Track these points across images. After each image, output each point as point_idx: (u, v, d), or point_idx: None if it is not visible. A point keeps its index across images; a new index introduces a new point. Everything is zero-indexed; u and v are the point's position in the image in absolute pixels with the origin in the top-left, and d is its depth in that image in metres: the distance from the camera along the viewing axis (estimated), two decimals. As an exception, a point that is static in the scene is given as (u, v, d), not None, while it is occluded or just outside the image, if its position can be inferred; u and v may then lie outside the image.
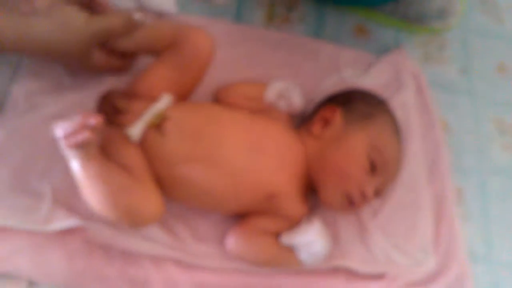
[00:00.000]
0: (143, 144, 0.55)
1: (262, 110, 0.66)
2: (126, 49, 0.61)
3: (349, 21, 0.84)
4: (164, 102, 0.56)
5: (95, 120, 0.48)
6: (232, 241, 0.58)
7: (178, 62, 0.59)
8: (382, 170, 0.58)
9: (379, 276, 0.62)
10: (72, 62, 0.58)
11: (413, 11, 0.83)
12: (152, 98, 0.58)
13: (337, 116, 0.61)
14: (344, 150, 0.58)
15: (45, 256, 0.56)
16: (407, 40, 0.85)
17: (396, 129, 0.63)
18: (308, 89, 0.73)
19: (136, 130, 0.54)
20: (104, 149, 0.54)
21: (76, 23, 0.54)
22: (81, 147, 0.49)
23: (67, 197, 0.58)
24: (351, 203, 0.58)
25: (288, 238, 0.58)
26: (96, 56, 0.58)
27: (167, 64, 0.59)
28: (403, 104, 0.74)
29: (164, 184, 0.57)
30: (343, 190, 0.58)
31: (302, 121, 0.69)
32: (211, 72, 0.71)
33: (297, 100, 0.67)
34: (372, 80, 0.76)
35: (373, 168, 0.58)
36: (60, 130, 0.49)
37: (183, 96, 0.61)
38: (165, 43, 0.59)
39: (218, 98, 0.68)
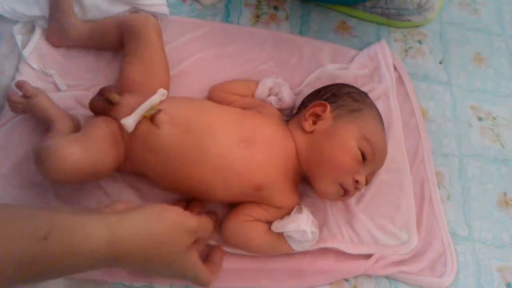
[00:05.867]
0: (139, 135, 0.58)
1: (254, 106, 0.68)
2: (79, 41, 0.69)
3: (332, 18, 0.87)
4: (158, 96, 0.60)
5: None
6: (224, 230, 0.60)
7: (136, 49, 0.65)
8: (371, 159, 0.61)
9: (366, 256, 0.64)
10: None
11: (392, 7, 0.86)
12: (139, 92, 0.62)
13: (327, 112, 0.63)
14: (337, 143, 0.60)
15: None
16: (387, 34, 0.87)
17: (380, 120, 0.65)
18: (295, 83, 0.76)
19: (130, 120, 0.57)
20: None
21: None
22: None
23: (68, 193, 0.61)
24: (346, 192, 0.60)
25: (278, 227, 0.59)
26: None
27: (130, 56, 0.65)
28: (385, 94, 0.77)
29: (159, 174, 0.60)
30: (338, 181, 0.59)
31: (291, 115, 0.71)
32: (203, 70, 0.74)
33: (286, 96, 0.69)
34: (355, 72, 0.78)
35: (363, 157, 0.60)
36: None
37: (161, 84, 0.64)
38: (114, 34, 0.67)
39: (211, 95, 0.71)
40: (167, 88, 0.66)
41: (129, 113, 0.58)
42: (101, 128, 0.58)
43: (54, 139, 0.54)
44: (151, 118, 0.58)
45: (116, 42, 0.68)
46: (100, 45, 0.71)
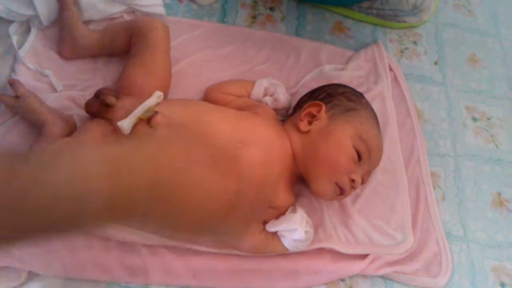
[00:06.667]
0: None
1: (250, 106, 0.68)
2: (91, 50, 0.68)
3: (328, 19, 0.87)
4: (154, 98, 0.59)
5: None
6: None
7: (141, 52, 0.65)
8: (367, 158, 0.61)
9: (362, 256, 0.64)
10: None
11: (388, 8, 0.86)
12: (138, 94, 0.61)
13: (323, 112, 0.63)
14: (333, 143, 0.60)
15: (46, 248, 0.58)
16: (383, 35, 0.88)
17: (375, 120, 0.66)
18: (291, 84, 0.76)
19: (126, 123, 0.57)
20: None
21: None
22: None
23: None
24: (342, 192, 0.60)
25: (273, 226, 0.59)
26: None
27: (135, 58, 0.65)
28: (381, 95, 0.77)
29: None
30: (334, 180, 0.60)
31: (286, 115, 0.71)
32: (199, 71, 0.74)
33: (282, 97, 0.69)
34: (351, 73, 0.78)
35: (359, 157, 0.60)
36: None
37: (162, 86, 0.64)
38: (123, 37, 0.67)
39: (208, 96, 0.71)
40: (167, 91, 0.66)
41: (125, 116, 0.57)
42: (92, 133, 0.57)
43: (41, 145, 0.54)
44: (147, 120, 0.57)
45: (126, 46, 0.68)
46: (111, 51, 0.71)
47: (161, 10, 0.75)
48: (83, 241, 0.59)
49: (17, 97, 0.62)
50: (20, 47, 0.69)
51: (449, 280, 0.66)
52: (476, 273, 0.69)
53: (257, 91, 0.70)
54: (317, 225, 0.64)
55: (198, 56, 0.75)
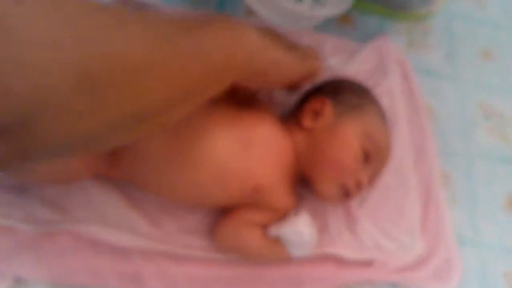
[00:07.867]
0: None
1: (248, 101, 0.63)
2: None
3: (333, 9, 0.84)
4: None
5: None
6: (218, 234, 0.58)
7: None
8: (375, 158, 0.58)
9: (368, 263, 0.62)
10: None
11: (396, -3, 0.83)
12: None
13: (328, 108, 0.60)
14: (338, 142, 0.58)
15: (34, 253, 0.55)
16: (391, 27, 0.84)
17: (383, 117, 0.63)
18: (294, 78, 0.73)
19: None
20: None
21: None
22: None
23: (52, 193, 0.58)
24: (347, 194, 0.58)
25: (275, 230, 0.57)
26: None
27: None
28: (389, 91, 0.73)
29: (151, 181, 0.56)
30: (339, 182, 0.57)
31: (289, 112, 0.68)
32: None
33: (283, 92, 0.65)
34: (357, 67, 0.75)
35: (366, 156, 0.57)
36: None
37: None
38: None
39: None
40: None
41: None
42: None
43: None
44: None
45: None
46: None
47: (155, -2, 0.72)
48: (72, 245, 0.57)
49: None
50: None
51: (459, 286, 0.64)
52: (487, 279, 0.66)
53: None
54: (321, 230, 0.61)
55: (194, 48, 0.72)
